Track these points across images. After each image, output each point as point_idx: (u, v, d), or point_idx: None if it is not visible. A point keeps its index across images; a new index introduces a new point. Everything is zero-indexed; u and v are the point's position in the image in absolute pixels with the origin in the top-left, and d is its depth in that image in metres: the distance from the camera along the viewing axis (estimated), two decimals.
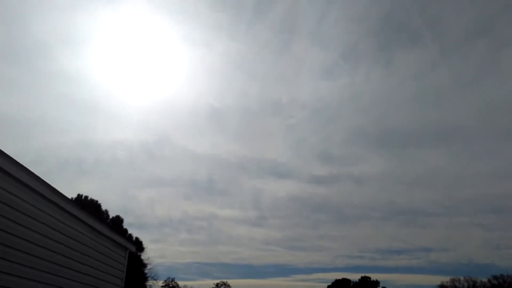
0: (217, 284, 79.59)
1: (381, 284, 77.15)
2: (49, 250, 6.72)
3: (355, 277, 79.02)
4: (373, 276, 78.23)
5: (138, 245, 43.88)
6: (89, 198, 43.36)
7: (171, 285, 73.04)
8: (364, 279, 77.68)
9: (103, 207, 44.58)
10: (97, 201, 44.18)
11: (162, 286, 70.52)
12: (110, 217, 44.82)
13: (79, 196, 42.31)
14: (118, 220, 45.06)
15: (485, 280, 58.75)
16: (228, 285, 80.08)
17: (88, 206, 38.59)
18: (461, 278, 61.25)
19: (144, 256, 49.24)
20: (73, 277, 7.53)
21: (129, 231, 45.07)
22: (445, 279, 66.25)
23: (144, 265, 48.93)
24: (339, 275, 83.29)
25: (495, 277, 56.96)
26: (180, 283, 74.67)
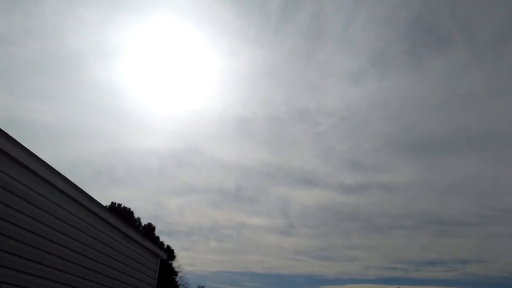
0: None
1: None
2: (83, 256, 6.85)
3: None
4: None
5: (170, 253, 44.29)
6: (122, 206, 44.48)
7: None
8: None
9: (136, 215, 45.55)
10: (129, 209, 45.22)
11: None
12: (142, 224, 45.72)
13: (113, 204, 43.43)
14: (150, 228, 45.89)
15: None
16: None
17: (121, 214, 39.48)
18: None
19: (175, 264, 49.70)
20: (106, 283, 7.63)
21: (161, 239, 45.69)
22: None
23: (175, 273, 49.36)
24: (371, 287, 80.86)
25: None
26: None
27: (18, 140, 5.16)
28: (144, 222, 46.92)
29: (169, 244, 48.03)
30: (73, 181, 6.43)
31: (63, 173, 6.16)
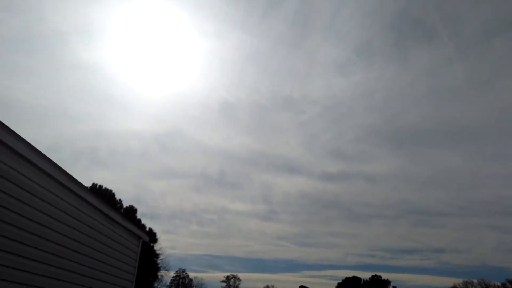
0: (227, 277, 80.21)
1: (392, 284, 76.48)
2: (64, 235, 6.83)
3: (365, 275, 78.52)
4: (384, 275, 77.65)
5: (152, 236, 44.35)
6: (103, 187, 44.02)
7: (182, 276, 73.80)
8: (375, 278, 77.16)
9: (117, 197, 45.20)
10: (111, 190, 44.81)
11: (173, 277, 71.42)
12: (124, 206, 45.45)
13: (94, 185, 42.97)
14: (131, 210, 45.66)
15: (499, 283, 57.75)
16: (238, 278, 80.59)
17: (102, 195, 39.16)
18: (475, 281, 60.36)
19: (156, 247, 49.74)
20: (87, 263, 7.65)
21: (143, 222, 45.61)
22: (458, 281, 65.35)
23: (157, 256, 49.46)
24: (350, 273, 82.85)
25: (509, 281, 55.88)
26: (191, 274, 75.40)
27: None
28: (125, 204, 46.62)
29: (151, 227, 47.98)
30: (54, 160, 6.36)
31: (44, 152, 6.09)
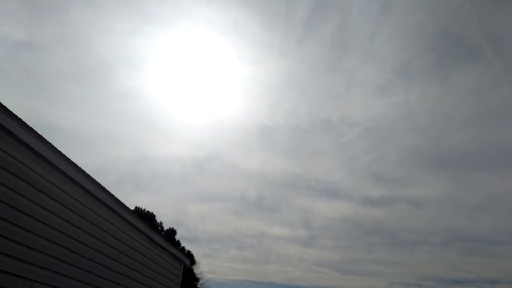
0: None
1: None
2: (110, 258, 6.93)
3: None
4: None
5: (191, 258, 44.46)
6: (145, 210, 45.12)
7: None
8: None
9: (158, 220, 46.11)
10: (152, 213, 45.84)
11: None
12: (165, 229, 46.19)
13: (137, 208, 44.09)
14: (171, 232, 46.30)
15: None
16: None
17: (144, 218, 39.99)
18: None
19: (196, 270, 49.77)
20: (131, 286, 7.69)
21: (182, 244, 45.97)
22: None
23: (197, 279, 49.41)
24: None
25: None
26: None
27: (50, 143, 5.29)
28: (166, 227, 47.35)
29: (190, 250, 48.16)
30: (101, 183, 6.54)
31: (91, 176, 6.28)
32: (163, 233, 43.84)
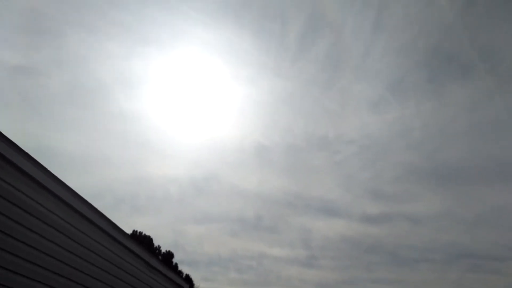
0: None
1: None
2: (106, 284, 6.70)
3: None
4: None
5: (189, 282, 43.66)
6: (143, 233, 44.49)
7: None
8: None
9: (156, 242, 45.41)
10: (149, 236, 45.18)
11: None
12: (162, 252, 45.46)
13: (134, 231, 43.49)
14: (169, 255, 45.54)
15: None
16: None
17: (142, 242, 39.41)
18: None
19: None
20: None
21: (180, 267, 45.16)
22: None
23: None
24: None
25: None
26: None
27: (45, 167, 5.18)
28: (163, 249, 46.62)
29: (188, 273, 47.30)
30: (97, 207, 6.39)
31: (88, 199, 6.13)
32: (160, 256, 43.16)
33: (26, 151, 4.83)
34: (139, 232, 44.25)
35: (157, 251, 44.72)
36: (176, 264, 44.81)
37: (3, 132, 4.47)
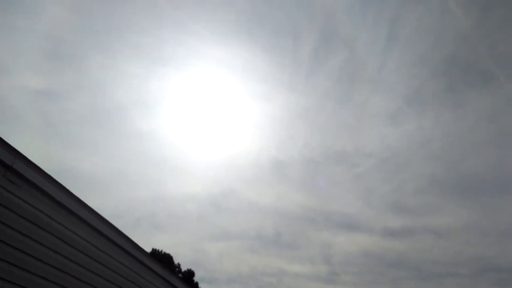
0: None
1: None
2: None
3: None
4: None
5: None
6: (162, 252, 44.54)
7: None
8: None
9: (176, 261, 45.36)
10: (169, 254, 45.18)
11: None
12: (182, 270, 45.31)
13: (153, 250, 43.59)
14: (190, 274, 45.35)
15: None
16: None
17: (162, 260, 39.42)
18: None
19: None
20: None
21: (201, 286, 44.87)
22: None
23: None
24: None
25: None
26: None
27: (66, 187, 5.28)
28: (184, 267, 46.46)
29: None
30: (117, 227, 6.45)
31: (108, 219, 6.20)
32: (180, 275, 43.05)
33: (48, 172, 4.95)
34: (159, 250, 44.32)
35: (177, 269, 44.61)
36: (197, 283, 44.58)
37: (26, 155, 4.60)
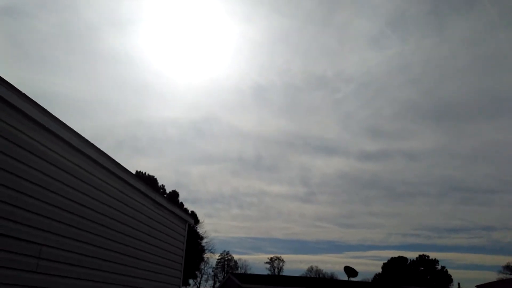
0: (271, 259, 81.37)
1: (440, 263, 74.35)
2: (115, 220, 7.04)
3: (411, 255, 76.56)
4: (431, 255, 75.47)
5: (194, 218, 45.61)
6: (146, 174, 45.56)
7: (226, 258, 75.76)
8: (422, 258, 75.27)
9: (160, 183, 46.69)
10: (153, 176, 46.34)
11: (218, 259, 73.52)
12: (167, 191, 46.91)
13: (138, 172, 44.50)
14: (174, 195, 47.07)
15: None
16: (282, 260, 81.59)
17: (146, 181, 40.51)
18: None
19: (200, 229, 50.97)
20: (140, 247, 7.88)
21: (185, 205, 46.89)
22: (510, 259, 62.52)
23: (201, 238, 50.74)
24: (394, 253, 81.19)
25: None
26: (235, 256, 77.29)
27: (46, 109, 5.20)
28: (168, 189, 47.98)
29: (193, 210, 49.16)
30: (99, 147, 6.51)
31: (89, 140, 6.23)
32: (165, 195, 44.55)
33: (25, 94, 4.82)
34: (143, 172, 45.28)
35: (161, 190, 46.07)
36: (181, 203, 46.48)
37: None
